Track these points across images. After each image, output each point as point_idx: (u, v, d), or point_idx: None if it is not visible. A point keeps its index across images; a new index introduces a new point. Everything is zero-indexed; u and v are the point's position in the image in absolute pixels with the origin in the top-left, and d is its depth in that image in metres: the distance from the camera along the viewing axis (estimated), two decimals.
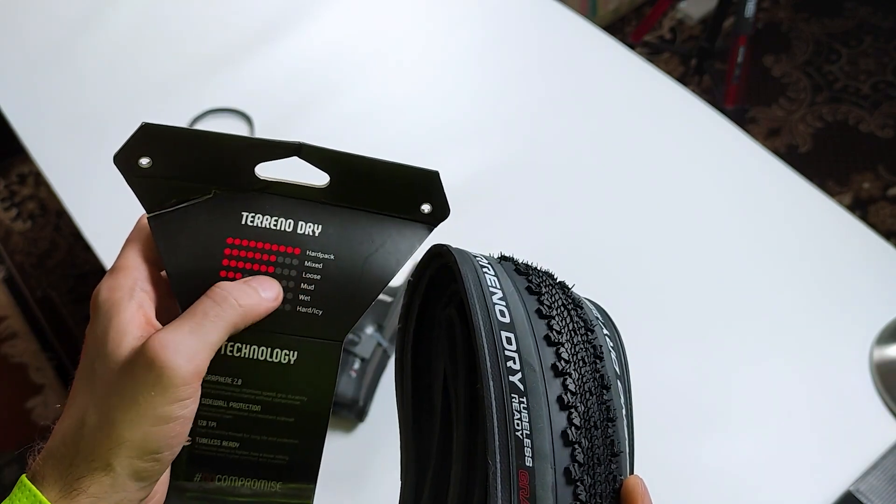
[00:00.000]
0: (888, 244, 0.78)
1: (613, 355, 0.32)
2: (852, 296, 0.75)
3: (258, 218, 0.32)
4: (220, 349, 0.31)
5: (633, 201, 0.85)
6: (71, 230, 1.82)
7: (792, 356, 0.72)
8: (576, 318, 0.31)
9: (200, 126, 0.95)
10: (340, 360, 0.34)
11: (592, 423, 0.29)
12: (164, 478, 0.33)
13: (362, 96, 0.97)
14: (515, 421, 0.27)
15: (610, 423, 0.29)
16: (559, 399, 0.28)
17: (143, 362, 0.29)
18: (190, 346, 0.29)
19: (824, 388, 0.70)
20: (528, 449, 0.27)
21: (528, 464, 0.27)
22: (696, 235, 0.81)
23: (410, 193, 0.33)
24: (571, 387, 0.28)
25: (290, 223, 0.33)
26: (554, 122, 0.93)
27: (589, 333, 0.30)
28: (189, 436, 0.32)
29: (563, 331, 0.30)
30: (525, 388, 0.28)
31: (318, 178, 0.33)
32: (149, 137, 0.32)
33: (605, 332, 0.32)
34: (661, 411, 0.70)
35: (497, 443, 0.27)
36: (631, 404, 0.32)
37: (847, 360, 0.72)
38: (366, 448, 0.71)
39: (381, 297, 0.73)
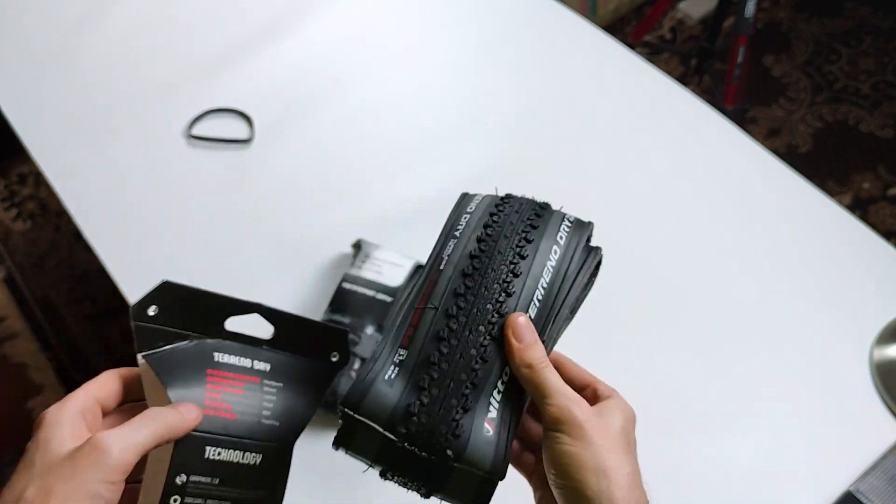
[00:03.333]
0: (888, 244, 0.78)
1: (553, 254, 0.46)
2: (852, 296, 0.75)
3: (225, 357, 0.42)
4: (204, 453, 0.39)
5: (633, 201, 0.85)
6: (71, 230, 1.82)
7: (792, 356, 0.72)
8: (510, 233, 0.46)
9: (201, 126, 0.95)
10: (290, 463, 0.43)
11: (481, 280, 0.43)
12: None
13: (362, 96, 0.97)
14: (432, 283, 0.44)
15: (499, 302, 0.42)
16: (462, 272, 0.43)
17: (85, 447, 0.34)
18: (124, 442, 0.35)
19: (824, 388, 0.70)
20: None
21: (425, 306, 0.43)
22: (696, 236, 0.81)
23: (325, 344, 0.45)
24: (475, 265, 0.43)
25: (248, 361, 0.43)
26: (554, 121, 0.93)
27: (520, 238, 0.45)
28: None
29: (494, 233, 0.45)
30: (447, 259, 0.44)
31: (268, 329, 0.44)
32: (163, 292, 0.41)
33: (558, 240, 0.47)
34: (661, 411, 0.70)
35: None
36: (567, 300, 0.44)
37: (847, 360, 0.72)
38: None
39: (381, 297, 0.73)
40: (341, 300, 0.74)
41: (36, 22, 1.10)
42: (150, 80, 1.01)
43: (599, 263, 0.50)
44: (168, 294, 0.41)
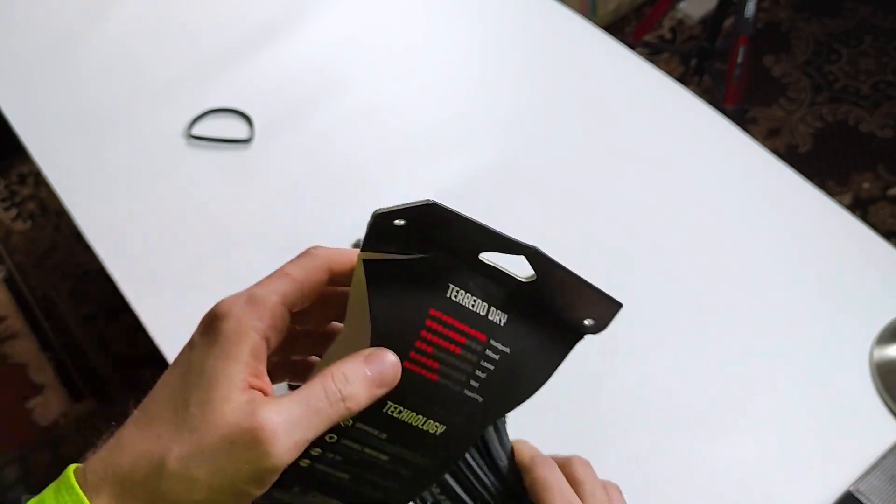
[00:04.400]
0: (888, 244, 0.78)
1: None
2: (852, 296, 0.75)
3: (461, 295, 0.32)
4: (383, 406, 0.32)
5: (633, 201, 0.85)
6: (71, 230, 1.82)
7: (792, 356, 0.72)
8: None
9: (201, 126, 0.95)
10: (475, 442, 0.37)
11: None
12: None
13: (363, 96, 0.97)
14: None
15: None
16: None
17: (247, 438, 0.28)
18: (293, 439, 0.29)
19: (824, 388, 0.70)
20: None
21: None
22: (696, 236, 0.81)
23: (584, 308, 0.35)
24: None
25: (484, 307, 0.33)
26: (554, 121, 0.93)
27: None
28: (310, 461, 0.33)
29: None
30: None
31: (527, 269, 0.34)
32: (424, 213, 0.31)
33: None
34: (661, 412, 0.70)
35: None
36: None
37: (847, 360, 0.72)
38: None
39: None
40: None
41: (36, 22, 1.10)
42: (150, 80, 1.01)
43: None
44: (427, 215, 0.31)
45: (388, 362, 0.31)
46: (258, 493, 0.29)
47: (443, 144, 0.91)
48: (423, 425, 0.33)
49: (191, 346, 0.31)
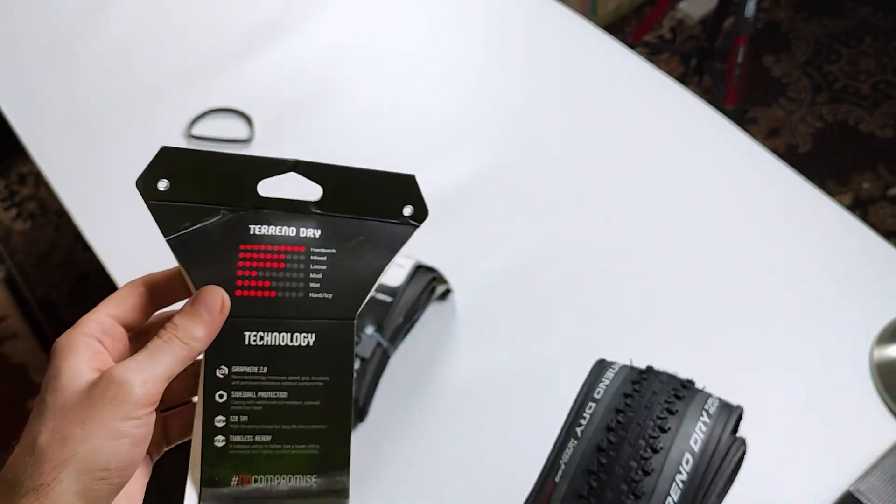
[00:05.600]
0: (888, 244, 0.78)
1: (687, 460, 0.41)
2: (852, 296, 0.75)
3: (264, 228, 0.35)
4: (244, 340, 0.34)
5: (633, 201, 0.85)
6: (71, 230, 1.82)
7: (792, 356, 0.72)
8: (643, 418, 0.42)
9: (201, 126, 0.95)
10: (355, 339, 0.37)
11: (615, 467, 0.39)
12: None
13: (362, 96, 0.97)
14: (564, 452, 0.42)
15: (634, 481, 0.38)
16: (598, 446, 0.41)
17: (101, 383, 0.30)
18: (144, 373, 0.31)
19: (824, 388, 0.70)
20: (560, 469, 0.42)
21: (556, 479, 0.41)
22: (696, 236, 0.81)
23: (392, 198, 0.37)
24: (612, 438, 0.41)
25: (292, 229, 0.36)
26: (554, 121, 0.93)
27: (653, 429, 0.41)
28: (223, 435, 0.34)
29: (634, 404, 0.43)
30: (580, 435, 0.43)
31: (312, 191, 0.36)
32: (167, 160, 0.35)
33: (698, 426, 0.43)
34: None
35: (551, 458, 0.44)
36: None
37: (847, 360, 0.72)
38: (366, 448, 0.71)
39: (381, 297, 0.73)
40: None
41: (36, 22, 1.10)
42: (150, 80, 1.01)
43: (743, 455, 0.46)
44: (175, 163, 0.35)
45: (207, 292, 0.34)
46: (136, 431, 0.30)
47: (443, 144, 0.91)
48: (291, 341, 0.35)
49: (43, 381, 0.33)
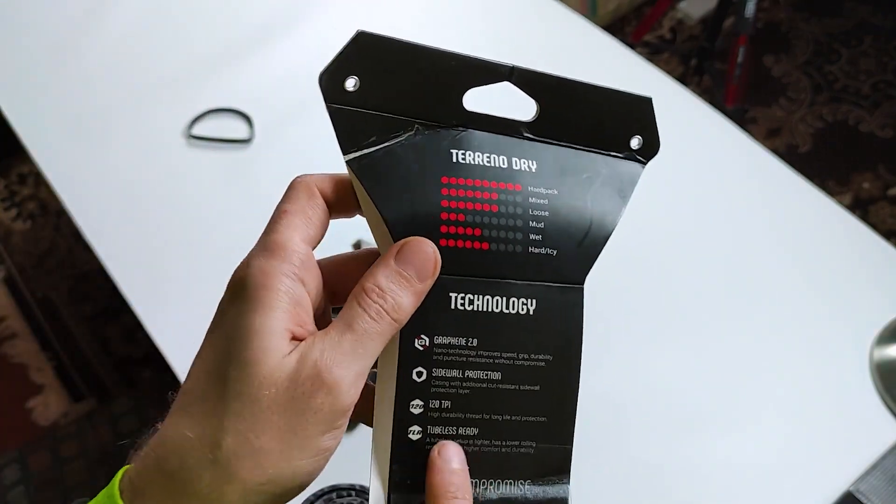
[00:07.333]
0: (888, 244, 0.78)
1: None
2: (852, 296, 0.75)
3: (469, 155, 0.28)
4: (449, 303, 0.27)
5: (632, 201, 0.84)
6: (71, 230, 1.82)
7: (792, 356, 0.72)
8: None
9: (201, 126, 0.95)
10: (583, 310, 0.30)
11: None
12: None
13: None
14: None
15: None
16: None
17: (306, 381, 0.24)
18: (354, 367, 0.25)
19: (824, 388, 0.70)
20: None
21: None
22: (696, 236, 0.81)
23: (620, 124, 0.30)
24: None
25: (503, 160, 0.29)
26: None
27: None
28: (420, 426, 0.27)
29: None
30: None
31: (523, 110, 0.30)
32: (362, 50, 0.27)
33: None
34: (661, 412, 0.70)
35: None
36: None
37: (847, 360, 0.72)
38: (366, 448, 0.71)
39: None
40: None
41: (36, 22, 1.10)
42: (150, 80, 1.01)
43: None
44: (371, 54, 0.27)
45: (417, 247, 0.26)
46: (334, 443, 0.25)
47: None
48: (507, 307, 0.28)
49: (220, 312, 0.27)
